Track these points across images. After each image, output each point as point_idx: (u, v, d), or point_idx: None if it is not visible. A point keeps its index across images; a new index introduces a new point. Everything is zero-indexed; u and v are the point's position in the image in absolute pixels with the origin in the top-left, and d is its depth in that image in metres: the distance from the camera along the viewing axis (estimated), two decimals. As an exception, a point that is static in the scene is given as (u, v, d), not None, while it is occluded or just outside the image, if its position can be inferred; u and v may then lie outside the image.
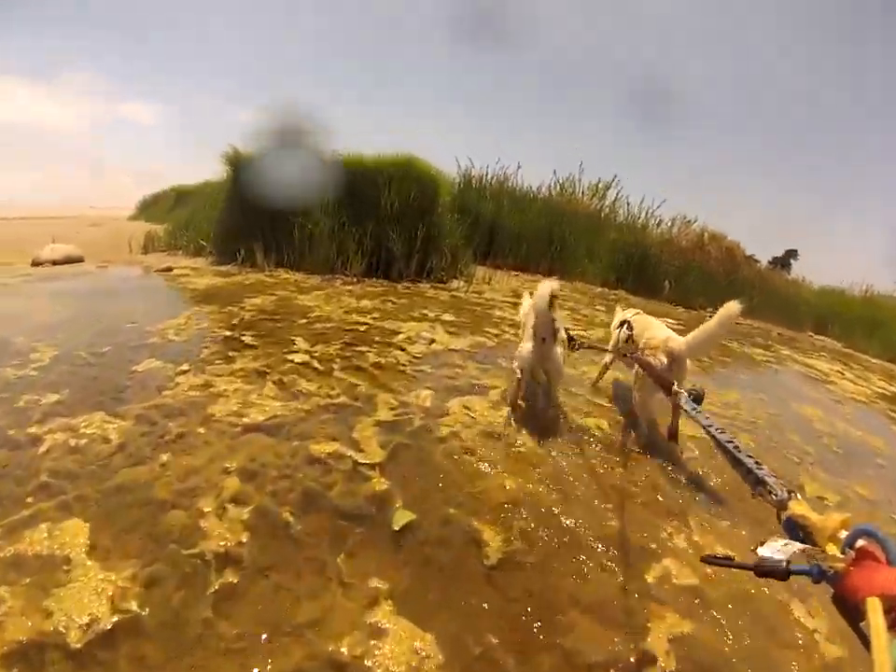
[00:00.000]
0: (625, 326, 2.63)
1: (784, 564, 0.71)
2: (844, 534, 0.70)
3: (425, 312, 4.83)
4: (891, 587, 0.56)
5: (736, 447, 1.07)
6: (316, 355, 3.32)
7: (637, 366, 2.35)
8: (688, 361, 2.24)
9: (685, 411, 1.65)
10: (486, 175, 10.04)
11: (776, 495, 0.89)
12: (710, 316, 2.16)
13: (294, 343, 3.50)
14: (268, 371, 3.02)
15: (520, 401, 2.64)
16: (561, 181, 10.20)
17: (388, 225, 6.67)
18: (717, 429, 1.20)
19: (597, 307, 6.86)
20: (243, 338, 3.55)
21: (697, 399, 1.69)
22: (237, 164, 7.23)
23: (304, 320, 4.16)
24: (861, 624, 0.58)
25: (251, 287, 5.46)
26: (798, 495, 0.88)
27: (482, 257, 9.02)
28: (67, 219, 18.30)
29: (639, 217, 10.42)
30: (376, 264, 6.76)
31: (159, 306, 4.51)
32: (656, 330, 2.38)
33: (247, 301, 4.69)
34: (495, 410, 2.71)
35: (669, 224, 10.37)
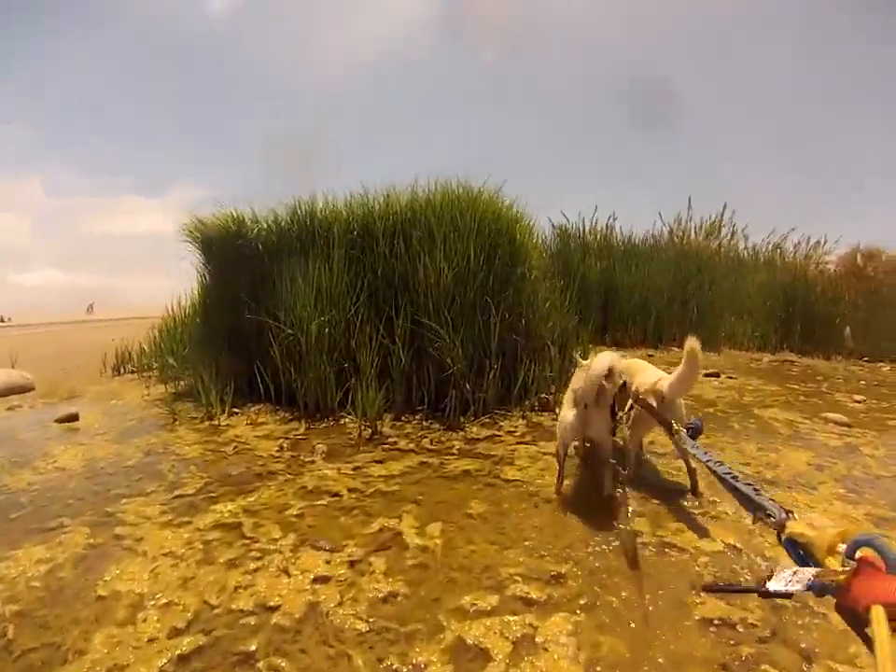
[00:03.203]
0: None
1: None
2: (842, 547, 0.68)
3: (486, 603, 1.55)
4: (891, 595, 0.56)
5: (734, 477, 1.02)
6: None
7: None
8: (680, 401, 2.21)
9: (685, 448, 1.54)
10: (582, 230, 7.61)
11: (774, 517, 0.83)
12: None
13: None
14: None
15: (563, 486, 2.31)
16: (670, 224, 8.11)
17: (436, 312, 3.53)
18: (715, 462, 1.15)
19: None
20: None
21: (695, 432, 1.62)
22: (206, 241, 4.60)
23: None
24: (867, 630, 0.56)
25: (109, 481, 2.54)
26: (795, 514, 0.81)
27: (594, 334, 6.28)
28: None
29: (763, 251, 8.35)
30: (420, 389, 3.60)
31: None
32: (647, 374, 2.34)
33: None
34: None
35: (792, 252, 8.32)
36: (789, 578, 0.68)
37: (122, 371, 6.07)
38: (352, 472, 2.52)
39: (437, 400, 3.47)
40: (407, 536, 1.93)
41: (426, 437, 3.03)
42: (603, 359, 2.10)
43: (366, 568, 1.73)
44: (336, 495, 2.27)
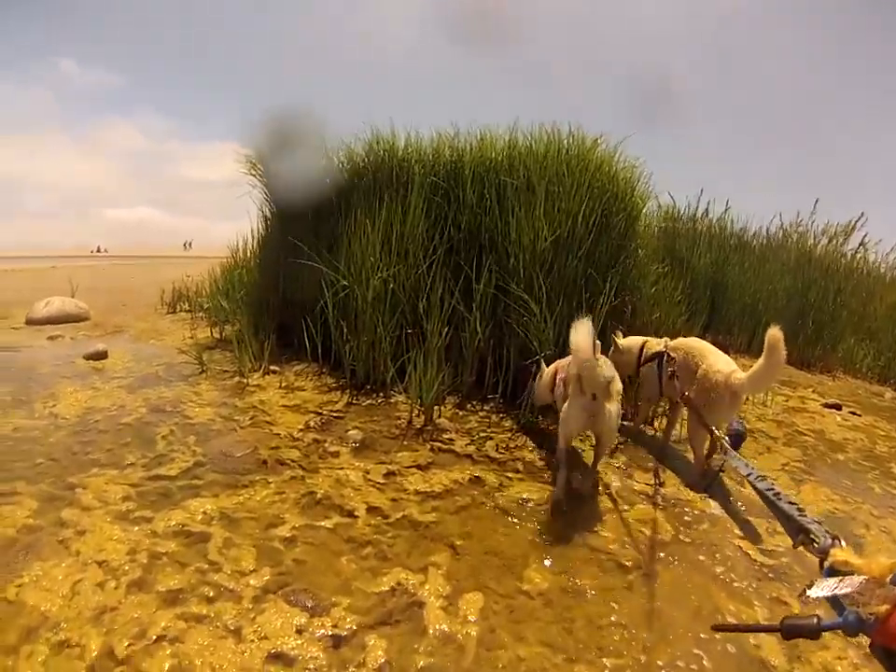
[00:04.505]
0: (664, 358, 2.20)
1: (815, 620, 0.61)
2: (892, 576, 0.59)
3: None
4: None
5: (777, 494, 0.91)
6: None
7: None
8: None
9: (726, 459, 1.39)
10: (695, 215, 6.47)
11: (818, 542, 0.73)
12: None
13: None
14: None
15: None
16: (787, 224, 6.69)
17: (528, 280, 2.81)
18: (756, 477, 1.04)
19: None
20: None
21: (738, 439, 1.49)
22: (269, 174, 4.08)
23: None
24: None
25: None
26: (842, 541, 0.70)
27: (699, 332, 5.45)
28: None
29: (886, 265, 6.83)
30: (496, 373, 2.88)
31: None
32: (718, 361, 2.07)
33: None
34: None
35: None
36: (834, 585, 0.59)
37: (178, 309, 5.79)
38: (382, 480, 1.88)
39: (514, 391, 2.75)
40: (429, 610, 1.26)
41: (491, 438, 2.33)
42: (583, 332, 1.73)
43: (352, 656, 1.09)
44: (350, 514, 1.64)
